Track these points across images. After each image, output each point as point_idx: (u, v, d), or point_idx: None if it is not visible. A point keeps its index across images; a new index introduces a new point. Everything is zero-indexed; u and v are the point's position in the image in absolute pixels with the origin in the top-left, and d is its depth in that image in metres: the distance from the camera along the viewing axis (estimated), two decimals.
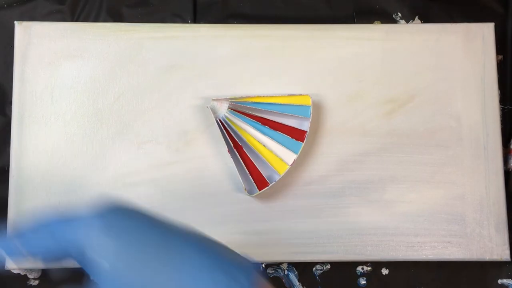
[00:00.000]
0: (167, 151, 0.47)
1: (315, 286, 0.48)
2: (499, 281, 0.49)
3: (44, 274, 0.47)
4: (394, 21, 0.51)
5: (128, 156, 0.46)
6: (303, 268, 0.48)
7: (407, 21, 0.51)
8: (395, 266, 0.48)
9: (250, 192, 0.45)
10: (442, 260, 0.46)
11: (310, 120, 0.46)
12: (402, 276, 0.48)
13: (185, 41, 0.48)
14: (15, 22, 0.47)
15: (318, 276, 0.48)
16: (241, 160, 0.46)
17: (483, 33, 0.49)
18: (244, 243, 0.46)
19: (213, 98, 0.47)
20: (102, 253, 0.26)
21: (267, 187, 0.45)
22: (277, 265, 0.48)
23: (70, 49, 0.47)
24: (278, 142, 0.46)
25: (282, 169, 0.45)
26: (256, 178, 0.46)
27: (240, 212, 0.46)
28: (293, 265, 0.48)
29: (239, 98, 0.47)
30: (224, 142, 0.46)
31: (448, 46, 0.49)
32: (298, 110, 0.46)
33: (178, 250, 0.28)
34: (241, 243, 0.46)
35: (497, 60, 0.50)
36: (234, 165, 0.45)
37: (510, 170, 0.49)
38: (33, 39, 0.47)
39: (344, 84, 0.48)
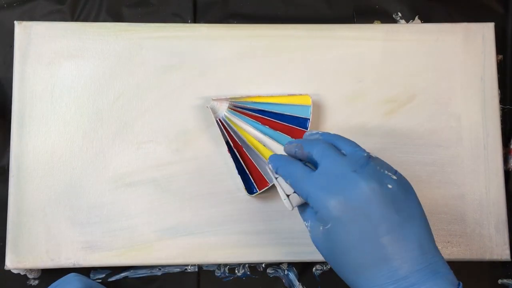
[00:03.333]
0: (167, 151, 0.47)
1: (315, 286, 0.48)
2: (499, 281, 0.49)
3: (44, 274, 0.47)
4: (394, 21, 0.51)
5: (128, 156, 0.46)
6: (303, 268, 0.48)
7: (407, 21, 0.51)
8: None
9: (250, 192, 0.45)
10: None
11: (310, 120, 0.46)
12: None
13: (185, 41, 0.48)
14: (15, 22, 0.47)
15: (318, 276, 0.48)
16: (241, 160, 0.46)
17: (483, 33, 0.49)
18: (244, 243, 0.46)
19: (213, 98, 0.47)
20: None
21: (267, 187, 0.45)
22: (277, 265, 0.48)
23: (70, 49, 0.47)
24: (278, 142, 0.46)
25: None
26: (256, 178, 0.46)
27: (240, 212, 0.46)
28: (293, 265, 0.48)
29: (239, 98, 0.47)
30: (224, 142, 0.46)
31: (448, 46, 0.49)
32: (298, 110, 0.46)
33: None
34: (241, 243, 0.46)
35: (497, 60, 0.50)
36: (234, 165, 0.45)
37: (510, 170, 0.49)
38: (33, 39, 0.47)
39: (344, 84, 0.48)
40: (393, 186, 0.34)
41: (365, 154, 0.35)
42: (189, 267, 0.48)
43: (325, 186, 0.34)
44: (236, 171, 0.45)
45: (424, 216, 0.35)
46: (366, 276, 0.33)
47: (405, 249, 0.32)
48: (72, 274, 0.43)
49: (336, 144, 0.37)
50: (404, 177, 0.36)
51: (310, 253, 0.46)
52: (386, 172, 0.35)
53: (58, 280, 0.42)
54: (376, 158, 0.36)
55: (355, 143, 0.37)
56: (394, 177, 0.35)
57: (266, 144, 0.46)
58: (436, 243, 0.47)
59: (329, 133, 0.39)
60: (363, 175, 0.34)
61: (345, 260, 0.34)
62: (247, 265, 0.48)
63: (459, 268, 0.48)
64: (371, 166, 0.35)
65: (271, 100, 0.47)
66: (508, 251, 0.46)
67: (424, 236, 0.33)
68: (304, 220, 0.37)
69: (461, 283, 0.33)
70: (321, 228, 0.34)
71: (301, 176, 0.36)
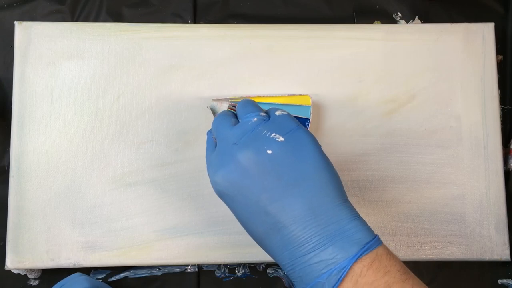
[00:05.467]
0: (167, 151, 0.47)
1: None
2: (499, 281, 0.49)
3: (44, 274, 0.47)
4: (394, 21, 0.51)
5: (128, 156, 0.46)
6: None
7: (407, 21, 0.51)
8: None
9: None
10: (442, 260, 0.46)
11: (310, 120, 0.46)
12: None
13: (185, 41, 0.48)
14: (15, 22, 0.47)
15: None
16: None
17: (483, 33, 0.49)
18: (244, 243, 0.46)
19: (213, 98, 0.47)
20: None
21: None
22: (277, 265, 0.48)
23: (70, 49, 0.47)
24: None
25: None
26: None
27: None
28: None
29: (239, 98, 0.47)
30: None
31: (448, 46, 0.49)
32: (298, 110, 0.46)
33: None
34: (241, 243, 0.46)
35: (497, 60, 0.50)
36: None
37: (510, 170, 0.49)
38: (33, 39, 0.47)
39: (344, 84, 0.48)
40: (274, 150, 0.32)
41: (254, 119, 0.34)
42: (189, 267, 0.48)
43: (213, 163, 0.34)
44: None
45: (323, 172, 0.32)
46: (266, 245, 0.33)
47: (292, 215, 0.31)
48: (77, 274, 0.43)
49: (238, 112, 0.36)
50: (302, 132, 0.33)
51: None
52: (272, 135, 0.32)
53: (63, 279, 0.42)
54: (275, 118, 0.34)
55: (252, 107, 0.35)
56: (281, 139, 0.32)
57: None
58: (436, 243, 0.47)
59: (242, 101, 0.37)
60: (241, 145, 0.32)
61: (247, 230, 0.34)
62: (247, 265, 0.48)
63: (459, 268, 0.48)
64: (256, 132, 0.33)
65: (271, 101, 0.47)
66: (508, 251, 0.46)
67: (315, 197, 0.31)
68: None
69: (377, 236, 0.31)
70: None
71: (207, 155, 0.36)
